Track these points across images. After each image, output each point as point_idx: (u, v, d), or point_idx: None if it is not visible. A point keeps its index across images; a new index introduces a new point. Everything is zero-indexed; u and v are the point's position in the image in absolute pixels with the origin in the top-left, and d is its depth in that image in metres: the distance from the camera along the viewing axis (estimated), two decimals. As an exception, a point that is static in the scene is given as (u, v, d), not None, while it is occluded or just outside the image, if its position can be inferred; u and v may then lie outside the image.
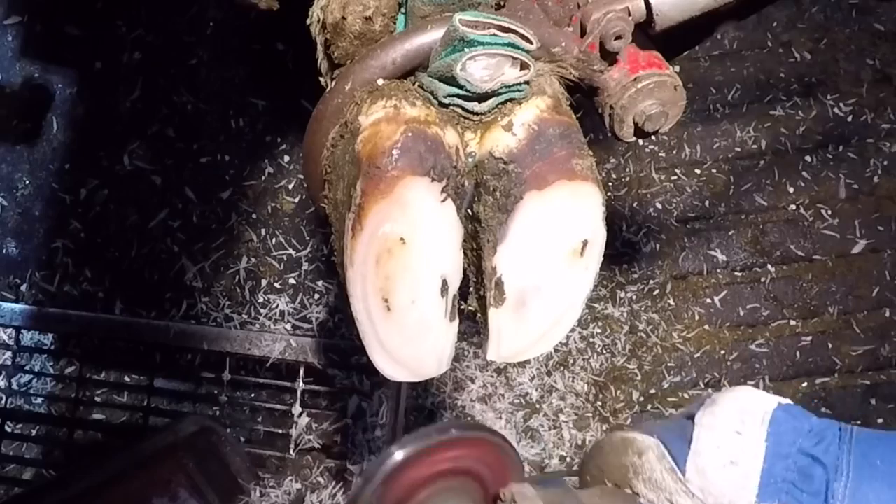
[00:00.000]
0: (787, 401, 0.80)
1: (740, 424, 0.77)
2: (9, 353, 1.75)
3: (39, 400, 1.78)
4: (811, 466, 0.74)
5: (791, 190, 1.94)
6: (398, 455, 0.65)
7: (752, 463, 0.74)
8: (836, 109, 1.97)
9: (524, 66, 0.67)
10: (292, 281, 1.84)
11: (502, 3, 0.75)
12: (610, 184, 1.93)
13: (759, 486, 0.73)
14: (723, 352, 1.88)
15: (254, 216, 1.87)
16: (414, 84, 0.71)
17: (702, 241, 1.92)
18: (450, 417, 1.78)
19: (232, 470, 1.58)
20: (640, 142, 1.94)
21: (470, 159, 0.70)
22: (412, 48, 0.70)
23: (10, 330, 1.74)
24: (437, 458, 0.67)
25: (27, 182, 1.88)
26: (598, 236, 0.72)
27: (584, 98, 0.81)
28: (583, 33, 0.75)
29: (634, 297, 1.89)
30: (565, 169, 0.68)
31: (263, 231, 1.87)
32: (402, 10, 0.74)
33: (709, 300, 1.90)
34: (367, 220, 0.64)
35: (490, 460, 0.70)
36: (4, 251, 1.86)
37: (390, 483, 0.65)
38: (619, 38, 0.73)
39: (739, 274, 1.91)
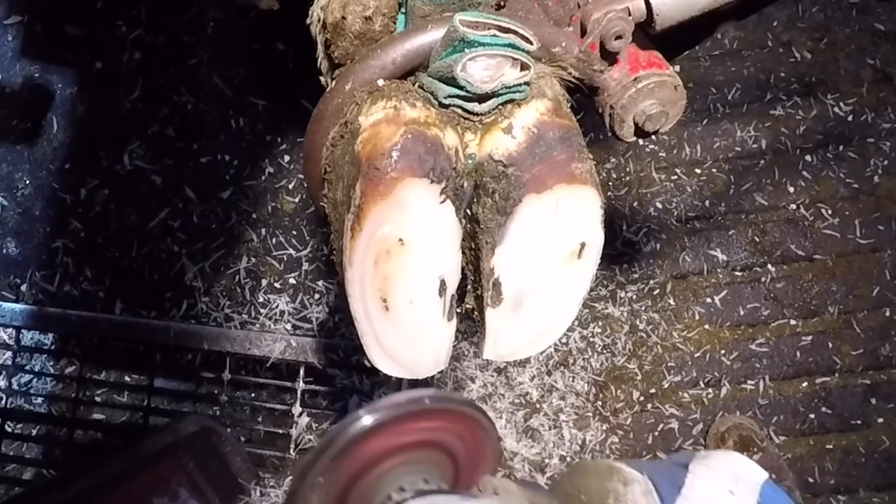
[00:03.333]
0: (770, 480, 0.80)
1: (734, 485, 0.77)
2: (9, 353, 1.75)
3: (39, 400, 1.78)
4: None
5: (791, 189, 1.94)
6: (366, 420, 0.60)
7: None
8: (836, 109, 1.97)
9: (524, 67, 0.67)
10: (292, 281, 1.84)
11: (502, 3, 0.75)
12: (610, 183, 1.93)
13: None
14: (723, 351, 1.88)
15: (254, 216, 1.87)
16: (414, 84, 0.71)
17: (702, 240, 1.92)
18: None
19: (232, 470, 1.58)
20: (641, 141, 1.94)
21: (469, 161, 0.70)
22: (412, 48, 0.70)
23: (10, 330, 1.74)
24: (407, 427, 0.62)
25: (27, 182, 1.88)
26: (596, 239, 0.72)
27: (584, 98, 0.81)
28: (583, 33, 0.75)
29: (635, 297, 1.89)
30: (565, 172, 0.68)
31: (263, 231, 1.87)
32: (402, 10, 0.74)
33: (709, 300, 1.90)
34: (366, 221, 0.64)
35: (465, 434, 0.66)
36: (4, 251, 1.86)
37: (354, 449, 0.61)
38: (619, 37, 0.72)
39: (739, 273, 1.91)
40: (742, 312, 1.90)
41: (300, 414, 1.67)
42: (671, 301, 1.89)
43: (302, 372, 1.67)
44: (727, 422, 1.80)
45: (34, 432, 1.77)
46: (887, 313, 1.90)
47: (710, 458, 0.78)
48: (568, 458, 1.81)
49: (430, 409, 0.62)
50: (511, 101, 0.69)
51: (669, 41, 0.80)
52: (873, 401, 1.87)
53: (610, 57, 0.75)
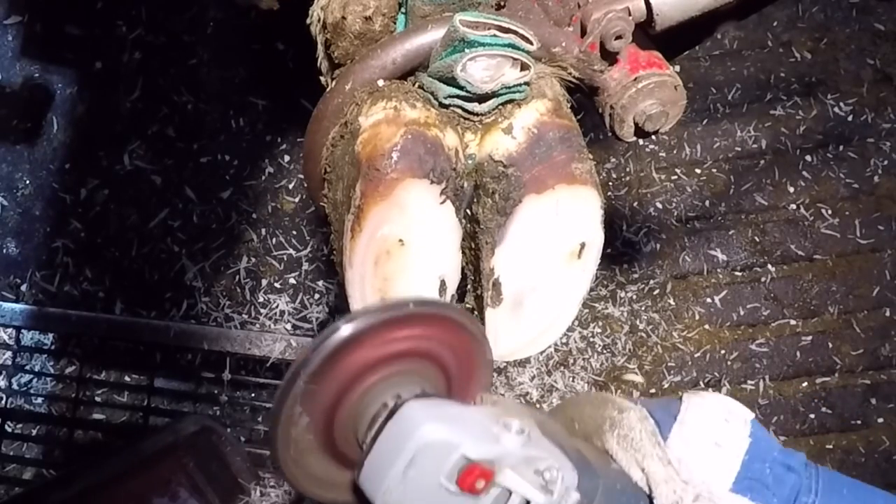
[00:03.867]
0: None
1: (728, 414, 0.77)
2: (9, 353, 1.75)
3: (39, 400, 1.77)
4: (786, 474, 0.74)
5: (791, 190, 1.94)
6: (345, 330, 0.54)
7: (736, 451, 0.73)
8: (836, 109, 1.97)
9: (524, 67, 0.67)
10: (292, 281, 1.84)
11: (502, 3, 0.75)
12: (610, 183, 1.93)
13: (737, 475, 0.73)
14: (723, 351, 1.88)
15: (254, 216, 1.87)
16: (414, 84, 0.71)
17: (702, 240, 1.92)
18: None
19: (232, 470, 1.58)
20: (641, 141, 1.94)
21: (470, 161, 0.70)
22: (412, 48, 0.70)
23: (10, 330, 1.74)
24: (392, 336, 0.57)
25: (27, 182, 1.88)
26: (596, 239, 0.72)
27: (584, 98, 0.81)
28: (583, 33, 0.75)
29: (635, 297, 1.89)
30: (565, 173, 0.68)
31: (263, 231, 1.87)
32: (402, 10, 0.74)
33: (709, 300, 1.90)
34: (366, 221, 0.64)
35: (454, 343, 0.60)
36: (4, 251, 1.86)
37: (334, 363, 0.55)
38: (619, 37, 0.72)
39: (739, 273, 1.91)
40: (742, 312, 1.90)
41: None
42: (671, 301, 1.89)
43: (302, 372, 1.67)
44: None
45: (34, 432, 1.77)
46: (887, 313, 1.90)
47: (703, 394, 0.79)
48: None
49: (415, 315, 0.57)
50: (511, 101, 0.69)
51: (669, 41, 0.80)
52: (873, 401, 1.87)
53: (610, 57, 0.75)
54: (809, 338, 1.88)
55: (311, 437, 0.59)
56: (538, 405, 1.82)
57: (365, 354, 0.56)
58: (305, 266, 1.85)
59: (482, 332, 0.62)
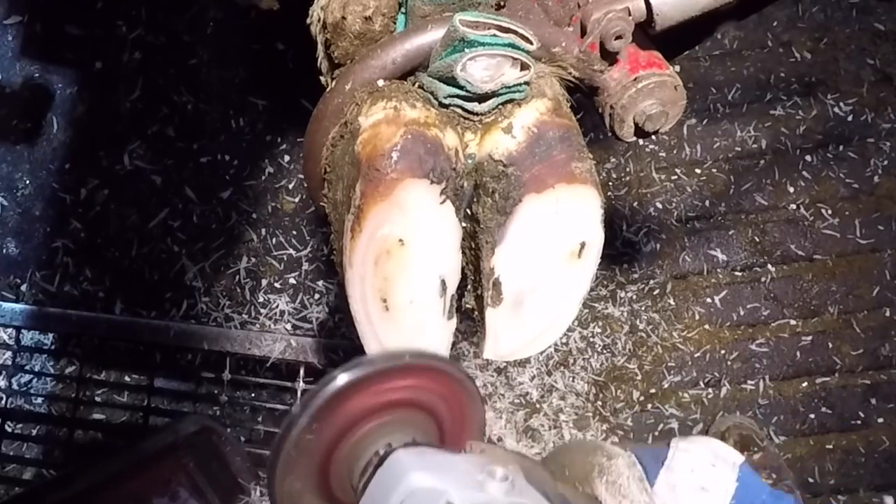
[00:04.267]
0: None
1: (715, 459, 0.78)
2: (9, 353, 1.75)
3: (39, 400, 1.78)
4: None
5: (791, 190, 1.94)
6: (342, 379, 0.57)
7: (723, 495, 0.74)
8: (836, 109, 1.97)
9: (524, 67, 0.67)
10: (292, 281, 1.84)
11: (502, 3, 0.75)
12: (610, 183, 1.93)
13: None
14: (723, 351, 1.88)
15: (254, 216, 1.87)
16: (414, 84, 0.71)
17: (702, 240, 1.92)
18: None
19: (232, 470, 1.58)
20: (641, 141, 1.94)
21: (469, 161, 0.70)
22: (412, 48, 0.70)
23: (10, 330, 1.74)
24: (388, 386, 0.59)
25: (27, 182, 1.88)
26: (596, 239, 0.72)
27: (584, 98, 0.81)
28: (583, 33, 0.75)
29: (635, 297, 1.89)
30: (564, 172, 0.68)
31: (263, 231, 1.87)
32: (402, 10, 0.74)
33: (709, 300, 1.90)
34: (366, 221, 0.64)
35: (448, 396, 0.63)
36: (4, 251, 1.85)
37: (331, 410, 0.58)
38: (619, 37, 0.72)
39: (739, 273, 1.91)
40: (742, 312, 1.90)
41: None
42: (671, 301, 1.89)
43: (302, 372, 1.67)
44: (727, 422, 1.80)
45: (34, 432, 1.77)
46: (887, 313, 1.90)
47: (691, 439, 0.80)
48: (568, 458, 1.81)
49: (411, 366, 0.60)
50: (511, 100, 0.69)
51: (669, 41, 0.80)
52: (873, 401, 1.87)
53: (610, 57, 0.75)
54: (809, 338, 1.88)
55: (308, 483, 0.61)
56: (538, 405, 1.82)
57: (361, 403, 0.59)
58: (305, 266, 1.85)
59: (475, 385, 0.64)
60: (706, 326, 1.88)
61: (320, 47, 0.77)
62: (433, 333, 0.72)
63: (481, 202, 0.70)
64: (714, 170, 1.95)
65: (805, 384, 1.87)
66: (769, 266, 1.91)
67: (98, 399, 1.79)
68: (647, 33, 0.77)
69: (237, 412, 1.75)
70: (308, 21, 0.76)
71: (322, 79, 0.81)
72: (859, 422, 1.86)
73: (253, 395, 1.78)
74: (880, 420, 1.86)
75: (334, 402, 0.57)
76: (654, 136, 0.89)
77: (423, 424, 0.63)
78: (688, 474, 0.74)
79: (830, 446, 1.85)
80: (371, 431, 0.60)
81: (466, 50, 0.64)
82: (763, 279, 1.90)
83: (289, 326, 1.81)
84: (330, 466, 0.61)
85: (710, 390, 1.86)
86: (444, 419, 0.64)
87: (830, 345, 1.88)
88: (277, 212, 1.88)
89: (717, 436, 1.79)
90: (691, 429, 1.84)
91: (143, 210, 1.85)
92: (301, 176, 1.86)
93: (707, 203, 1.93)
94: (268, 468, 0.59)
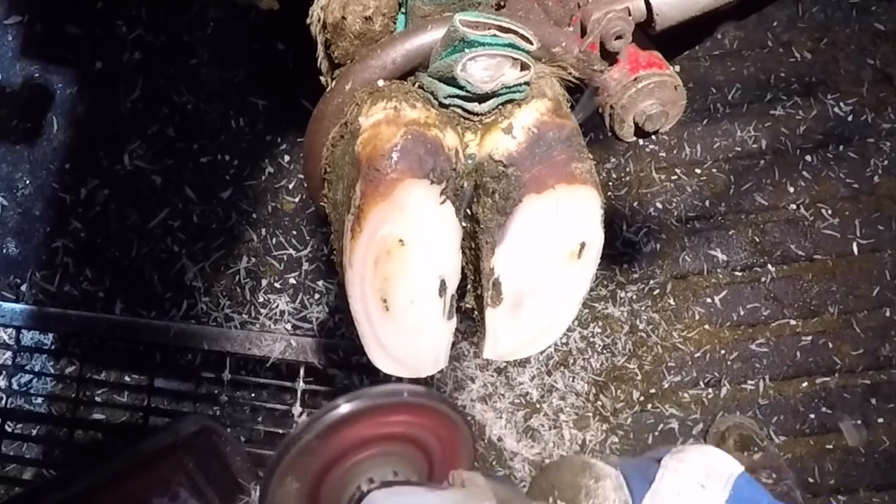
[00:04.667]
0: (746, 473, 0.80)
1: (705, 479, 0.77)
2: (9, 353, 1.75)
3: (39, 400, 1.78)
4: None
5: (791, 190, 1.94)
6: (344, 408, 0.61)
7: None
8: (836, 109, 1.97)
9: (524, 67, 0.67)
10: (292, 281, 1.84)
11: (502, 3, 0.75)
12: (610, 183, 1.93)
13: None
14: (723, 351, 1.88)
15: (254, 216, 1.87)
16: (414, 84, 0.71)
17: (702, 240, 1.92)
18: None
19: (232, 470, 1.58)
20: (641, 141, 1.94)
21: (469, 161, 0.70)
22: (412, 48, 0.70)
23: (10, 330, 1.74)
24: (385, 419, 0.64)
25: (27, 182, 1.88)
26: (596, 239, 0.72)
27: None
28: (583, 33, 0.75)
29: (635, 297, 1.89)
30: (564, 172, 0.68)
31: (263, 231, 1.87)
32: (402, 10, 0.74)
33: (709, 300, 1.90)
34: (366, 222, 0.64)
35: (442, 433, 0.67)
36: (4, 251, 1.86)
37: (330, 435, 0.61)
38: (619, 37, 0.72)
39: (740, 273, 1.91)
40: (742, 312, 1.90)
41: (300, 414, 1.67)
42: (671, 301, 1.89)
43: (302, 372, 1.67)
44: (727, 421, 1.80)
45: (34, 432, 1.77)
46: (887, 313, 1.90)
47: (684, 452, 0.79)
48: (568, 458, 1.81)
49: (408, 404, 0.63)
50: (511, 101, 0.69)
51: (669, 41, 0.80)
52: (873, 401, 1.87)
53: (610, 57, 0.75)
54: (809, 338, 1.88)
55: (298, 501, 0.65)
56: (538, 405, 1.82)
57: (357, 432, 0.63)
58: (305, 266, 1.85)
59: (468, 425, 0.68)
60: (706, 326, 1.88)
61: (320, 47, 0.77)
62: (433, 333, 0.72)
63: (481, 202, 0.70)
64: (714, 170, 1.95)
65: (805, 384, 1.87)
66: (769, 266, 1.91)
67: (98, 399, 1.79)
68: (647, 33, 0.77)
69: (237, 412, 1.75)
70: (308, 21, 0.76)
71: (322, 79, 0.81)
72: (859, 422, 1.86)
73: (253, 395, 1.78)
74: (880, 420, 1.86)
75: (333, 428, 0.61)
76: (654, 136, 0.89)
77: (413, 457, 0.67)
78: (674, 498, 0.74)
79: (830, 446, 1.85)
80: (358, 463, 0.64)
81: (466, 50, 0.64)
82: (763, 279, 1.90)
83: (289, 326, 1.81)
84: (320, 493, 0.65)
85: (710, 390, 1.86)
86: (434, 453, 0.68)
87: (830, 345, 1.88)
88: (277, 212, 1.88)
89: (716, 436, 1.79)
90: (691, 429, 1.84)
91: (143, 210, 1.85)
92: (301, 176, 1.86)
93: (707, 203, 1.93)
94: (261, 488, 0.63)
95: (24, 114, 1.89)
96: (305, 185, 1.18)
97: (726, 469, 0.78)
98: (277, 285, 1.84)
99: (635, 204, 1.93)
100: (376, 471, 0.64)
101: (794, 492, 1.62)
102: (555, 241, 0.71)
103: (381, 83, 0.70)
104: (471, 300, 0.77)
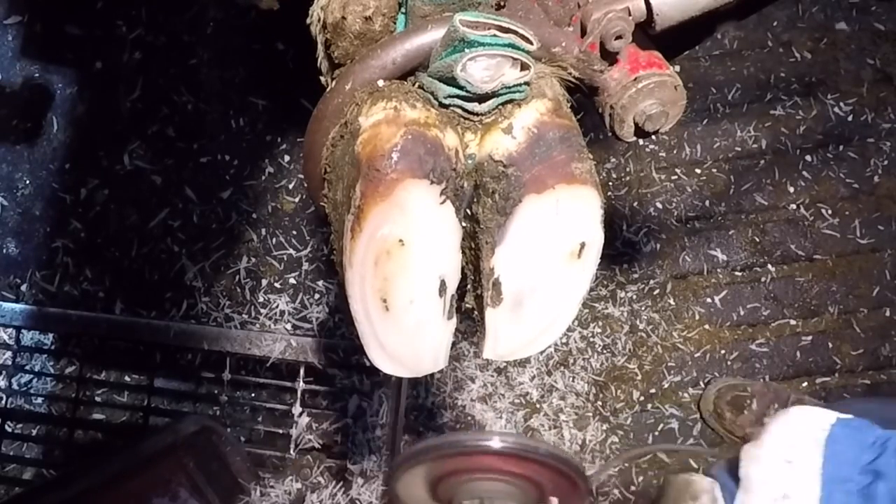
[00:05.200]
0: (848, 416, 0.73)
1: (790, 451, 0.71)
2: (9, 353, 1.75)
3: (39, 400, 1.78)
4: (874, 485, 0.68)
5: (791, 190, 1.94)
6: (495, 443, 0.72)
7: (808, 495, 0.68)
8: (836, 109, 1.97)
9: (524, 67, 0.66)
10: (292, 281, 1.84)
11: (502, 3, 0.75)
12: (610, 183, 1.93)
13: (820, 500, 0.68)
14: (723, 351, 1.88)
15: (254, 216, 1.87)
16: (414, 84, 0.71)
17: (702, 240, 1.92)
18: (450, 417, 1.78)
19: (232, 470, 1.58)
20: (641, 141, 1.94)
21: (469, 161, 0.70)
22: (412, 48, 0.70)
23: (10, 330, 1.74)
24: (516, 462, 0.72)
25: (27, 182, 1.88)
26: (596, 239, 0.71)
27: (584, 98, 0.80)
28: (583, 33, 0.75)
29: (635, 297, 1.89)
30: (564, 173, 0.68)
31: (263, 231, 1.87)
32: (402, 10, 0.74)
33: (709, 300, 1.90)
34: (366, 222, 0.63)
35: (562, 488, 0.75)
36: (4, 251, 1.86)
37: (474, 453, 0.72)
38: (619, 37, 0.72)
39: (739, 273, 1.91)
40: (742, 312, 1.90)
41: (300, 414, 1.67)
42: (671, 301, 1.89)
43: (302, 372, 1.67)
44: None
45: (34, 432, 1.77)
46: (887, 313, 1.90)
47: (764, 431, 0.74)
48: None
49: (541, 461, 0.73)
50: (511, 101, 0.69)
51: (669, 41, 0.80)
52: (873, 401, 1.87)
53: (610, 57, 0.75)
54: (809, 338, 1.88)
55: (420, 482, 0.78)
56: (538, 405, 1.82)
57: (492, 461, 0.73)
58: (305, 266, 1.85)
59: (591, 493, 0.77)
60: (706, 326, 1.88)
61: (320, 47, 0.77)
62: (433, 333, 0.72)
63: (481, 202, 0.70)
64: (714, 170, 1.95)
65: (805, 384, 1.87)
66: (769, 266, 1.91)
67: (98, 399, 1.79)
68: (647, 33, 0.77)
69: (237, 412, 1.75)
70: (308, 21, 0.76)
71: (322, 79, 0.81)
72: (859, 422, 1.86)
73: (253, 395, 1.78)
74: (880, 420, 1.86)
75: (478, 451, 0.73)
76: (654, 136, 0.89)
77: (525, 498, 0.76)
78: (762, 488, 0.70)
79: (830, 446, 1.85)
80: (482, 480, 0.75)
81: (466, 50, 0.64)
82: (763, 279, 1.90)
83: (289, 326, 1.81)
84: (440, 484, 0.78)
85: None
86: (547, 499, 0.76)
87: (830, 345, 1.88)
88: (277, 212, 1.88)
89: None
90: (691, 429, 1.84)
91: (143, 210, 1.85)
92: (301, 176, 1.87)
93: (707, 203, 1.93)
94: (394, 462, 0.81)
95: (24, 114, 1.89)
96: (305, 185, 1.18)
97: (814, 428, 0.71)
98: (277, 285, 1.84)
99: (635, 204, 1.93)
100: (496, 499, 0.75)
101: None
102: (555, 241, 0.71)
103: (381, 83, 0.70)
104: (471, 300, 0.77)
